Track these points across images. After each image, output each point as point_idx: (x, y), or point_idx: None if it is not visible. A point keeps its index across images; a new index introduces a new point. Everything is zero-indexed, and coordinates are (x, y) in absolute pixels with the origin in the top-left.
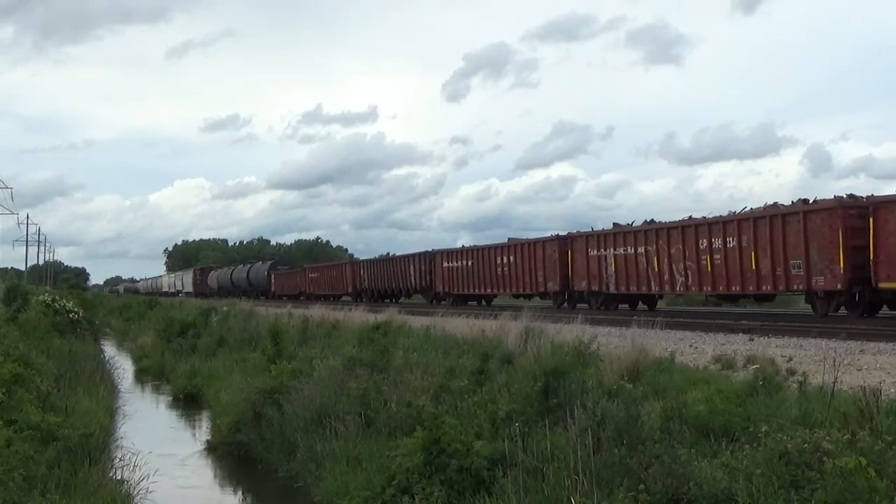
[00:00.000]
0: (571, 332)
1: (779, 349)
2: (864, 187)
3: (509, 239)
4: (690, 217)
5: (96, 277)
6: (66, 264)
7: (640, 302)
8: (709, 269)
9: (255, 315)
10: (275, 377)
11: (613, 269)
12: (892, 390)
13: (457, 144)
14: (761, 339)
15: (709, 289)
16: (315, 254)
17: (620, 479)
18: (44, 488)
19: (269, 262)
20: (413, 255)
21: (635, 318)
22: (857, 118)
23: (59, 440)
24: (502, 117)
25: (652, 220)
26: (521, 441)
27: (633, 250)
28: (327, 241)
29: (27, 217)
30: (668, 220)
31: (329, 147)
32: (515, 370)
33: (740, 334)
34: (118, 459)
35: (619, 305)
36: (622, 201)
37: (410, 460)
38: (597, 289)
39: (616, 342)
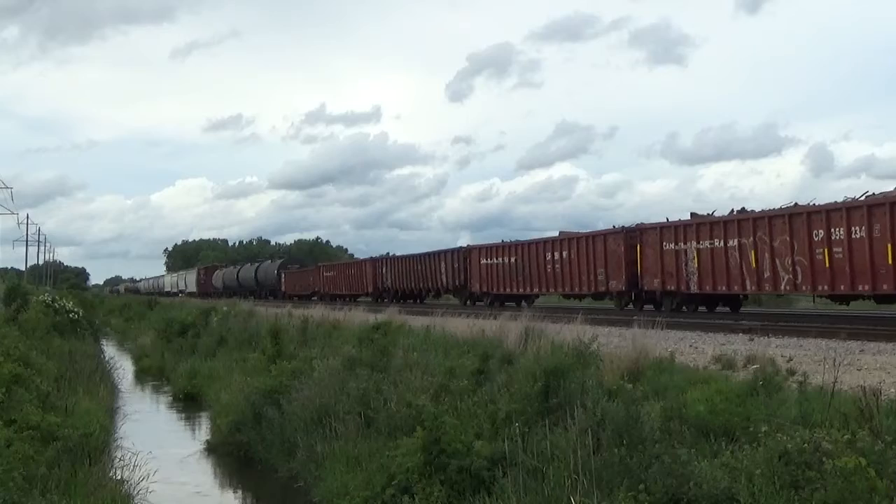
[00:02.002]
0: (571, 332)
1: (779, 349)
2: (865, 187)
3: (561, 232)
4: (796, 204)
5: (96, 277)
6: (66, 264)
7: (720, 304)
8: (826, 264)
9: (255, 315)
10: (275, 377)
11: (696, 265)
12: (892, 390)
13: (459, 144)
14: (761, 339)
15: (825, 287)
16: (315, 254)
17: (620, 479)
18: (44, 488)
19: (278, 261)
20: (445, 252)
21: (635, 318)
22: (859, 118)
23: (59, 440)
24: (505, 117)
25: (744, 209)
26: (521, 441)
27: (721, 243)
28: (327, 241)
29: (27, 217)
30: (768, 209)
31: (331, 147)
32: (515, 370)
33: (740, 334)
34: (118, 459)
35: (698, 307)
36: (623, 201)
37: (410, 460)
38: (673, 288)
39: (616, 342)
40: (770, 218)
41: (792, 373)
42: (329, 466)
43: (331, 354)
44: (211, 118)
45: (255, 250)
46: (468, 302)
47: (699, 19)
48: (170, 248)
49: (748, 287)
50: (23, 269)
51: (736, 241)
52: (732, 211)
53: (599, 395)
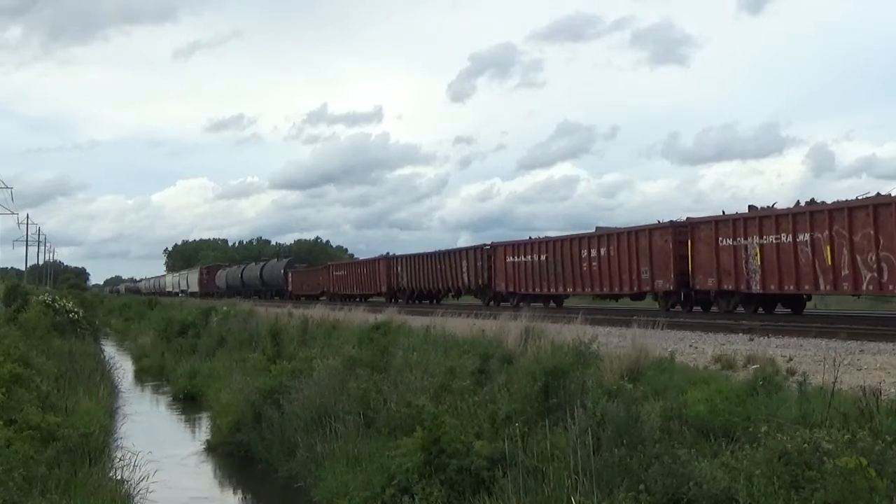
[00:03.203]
0: (571, 332)
1: (779, 349)
2: (866, 187)
3: (597, 228)
4: (878, 194)
5: (96, 277)
6: (66, 264)
7: (779, 304)
8: None
9: (255, 315)
10: (275, 377)
11: (758, 262)
12: (892, 390)
13: (461, 144)
14: (761, 339)
15: None
16: (315, 253)
17: (620, 479)
18: (44, 488)
19: (284, 260)
20: (467, 249)
21: (635, 318)
22: (861, 118)
23: (59, 440)
24: (507, 117)
25: (813, 200)
26: (521, 441)
27: (789, 238)
28: (327, 242)
29: (27, 217)
30: (843, 199)
31: (333, 147)
32: (515, 370)
33: (740, 334)
34: (118, 459)
35: (758, 308)
36: (624, 201)
37: (410, 460)
38: (731, 287)
39: (616, 342)
40: (850, 209)
41: (792, 373)
42: (329, 466)
43: (331, 354)
44: (213, 118)
45: (255, 250)
46: (491, 302)
47: (701, 19)
48: (170, 248)
49: (822, 286)
50: (23, 269)
51: (807, 235)
52: (798, 203)
53: (599, 395)
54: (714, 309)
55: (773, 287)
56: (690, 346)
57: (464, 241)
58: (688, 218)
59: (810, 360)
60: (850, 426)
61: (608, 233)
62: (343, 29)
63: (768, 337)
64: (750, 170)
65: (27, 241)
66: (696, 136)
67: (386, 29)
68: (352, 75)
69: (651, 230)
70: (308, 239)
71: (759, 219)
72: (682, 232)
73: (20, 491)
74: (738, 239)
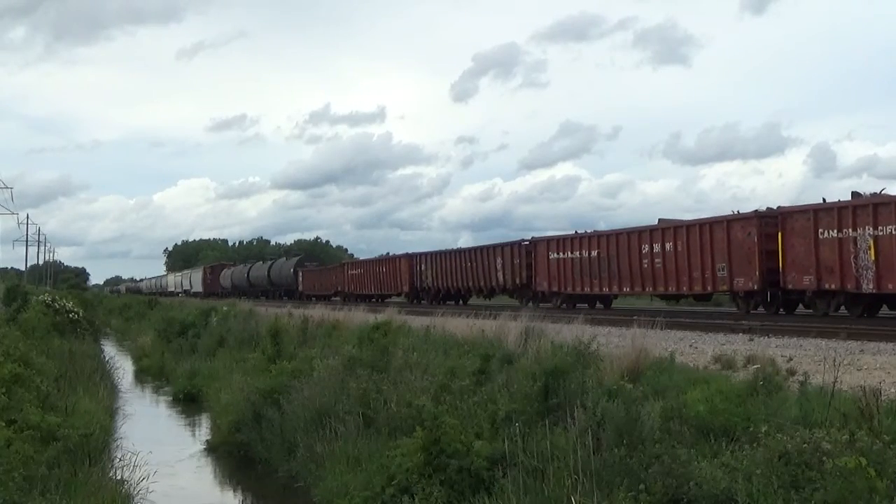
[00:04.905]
0: (571, 332)
1: (779, 349)
2: (867, 187)
3: (660, 220)
4: None
5: (96, 277)
6: (66, 264)
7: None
8: None
9: (255, 315)
10: (275, 377)
11: (872, 257)
12: (892, 390)
13: (463, 144)
14: (761, 339)
15: None
16: (316, 253)
17: (620, 479)
18: (44, 488)
19: (294, 258)
20: (503, 245)
21: (635, 317)
22: (862, 117)
23: (59, 440)
24: (509, 117)
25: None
26: (521, 441)
27: None
28: (327, 241)
29: (27, 217)
30: None
31: (335, 147)
32: (515, 370)
33: (740, 334)
34: (118, 459)
35: (866, 311)
36: (625, 201)
37: (410, 460)
38: (834, 286)
39: (616, 342)
40: None
41: (792, 373)
42: (329, 466)
43: (331, 354)
44: (215, 118)
45: (256, 250)
46: (531, 303)
47: (705, 20)
48: (170, 249)
49: None
50: (23, 269)
51: None
52: None
53: (599, 395)
54: (809, 311)
55: (891, 286)
56: (690, 345)
57: (464, 241)
58: (778, 207)
59: (810, 360)
60: (850, 426)
61: (675, 225)
62: (347, 29)
63: (768, 337)
64: (751, 170)
65: (27, 241)
66: (697, 136)
67: (390, 29)
68: (355, 75)
69: (730, 221)
70: (308, 239)
71: (874, 206)
72: (771, 223)
73: (20, 491)
74: (846, 230)
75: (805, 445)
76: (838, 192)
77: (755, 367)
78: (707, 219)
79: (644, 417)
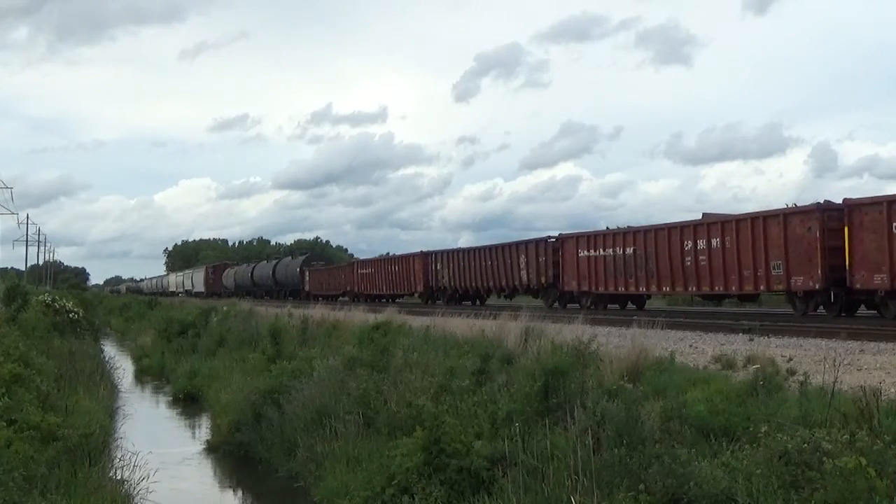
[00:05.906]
0: (571, 332)
1: (779, 349)
2: (867, 187)
3: (704, 215)
4: None
5: (96, 277)
6: (66, 264)
7: None
8: None
9: (255, 315)
10: (275, 377)
11: None
12: (892, 390)
13: (464, 144)
14: (761, 339)
15: None
16: (316, 253)
17: (620, 479)
18: (44, 488)
19: (300, 257)
20: (527, 242)
21: (635, 317)
22: (864, 117)
23: (59, 440)
24: (511, 117)
25: None
26: (521, 441)
27: None
28: (327, 241)
29: (27, 217)
30: None
31: (336, 147)
32: (515, 370)
33: (740, 334)
34: (118, 459)
35: None
36: (625, 201)
37: (410, 460)
38: None
39: (616, 342)
40: None
41: (792, 373)
42: (329, 466)
43: (331, 354)
44: (217, 118)
45: (255, 250)
46: (557, 304)
47: (707, 20)
48: (170, 249)
49: None
50: (23, 269)
51: None
52: None
53: (599, 395)
54: (885, 315)
55: None
56: (690, 346)
57: (464, 241)
58: (844, 199)
59: (810, 360)
60: (850, 426)
61: (723, 220)
62: (349, 29)
63: (768, 337)
64: (752, 170)
65: (27, 241)
66: (698, 135)
67: (391, 29)
68: (357, 76)
69: (786, 215)
70: (308, 239)
71: None
72: (834, 216)
73: (20, 491)
74: None
75: (805, 445)
76: (839, 192)
77: (755, 367)
78: (760, 212)
79: (644, 417)
